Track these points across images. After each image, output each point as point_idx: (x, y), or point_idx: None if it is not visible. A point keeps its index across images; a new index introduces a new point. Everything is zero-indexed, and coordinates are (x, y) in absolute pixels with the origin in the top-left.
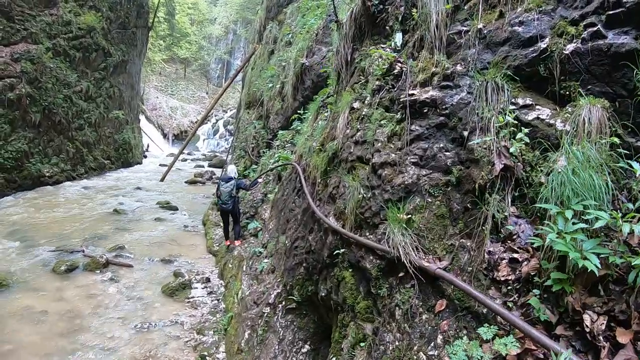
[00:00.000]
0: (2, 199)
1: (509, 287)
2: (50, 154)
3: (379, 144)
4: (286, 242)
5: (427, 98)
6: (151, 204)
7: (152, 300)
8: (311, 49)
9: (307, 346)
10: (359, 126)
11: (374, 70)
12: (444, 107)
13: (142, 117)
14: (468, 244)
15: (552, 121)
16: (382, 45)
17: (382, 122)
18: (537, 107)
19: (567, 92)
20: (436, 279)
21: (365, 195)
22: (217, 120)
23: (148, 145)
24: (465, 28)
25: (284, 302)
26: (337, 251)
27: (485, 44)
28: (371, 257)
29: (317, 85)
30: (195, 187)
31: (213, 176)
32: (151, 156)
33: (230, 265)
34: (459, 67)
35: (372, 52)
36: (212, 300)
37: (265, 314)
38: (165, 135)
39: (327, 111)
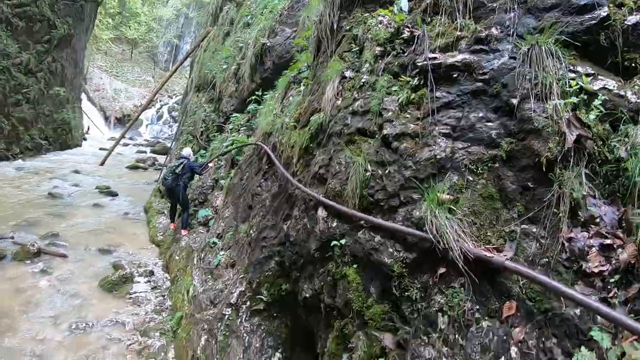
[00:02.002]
0: None
1: (606, 281)
2: None
3: (390, 114)
4: (250, 231)
5: (456, 62)
6: (89, 188)
7: (88, 295)
8: (274, 29)
9: (278, 354)
10: (356, 95)
11: (374, 36)
12: (481, 72)
13: (83, 97)
14: (534, 230)
15: (622, 92)
16: (381, 13)
17: (391, 89)
18: (600, 76)
19: (633, 65)
20: (495, 274)
21: (374, 173)
22: (161, 106)
23: (88, 128)
24: None
25: (248, 303)
26: (334, 242)
27: (526, 8)
28: (390, 250)
29: (278, 66)
30: (136, 173)
31: (155, 162)
32: (91, 139)
33: (177, 257)
34: (494, 31)
35: (368, 19)
36: (156, 297)
37: (226, 316)
38: (107, 118)
39: (301, 86)
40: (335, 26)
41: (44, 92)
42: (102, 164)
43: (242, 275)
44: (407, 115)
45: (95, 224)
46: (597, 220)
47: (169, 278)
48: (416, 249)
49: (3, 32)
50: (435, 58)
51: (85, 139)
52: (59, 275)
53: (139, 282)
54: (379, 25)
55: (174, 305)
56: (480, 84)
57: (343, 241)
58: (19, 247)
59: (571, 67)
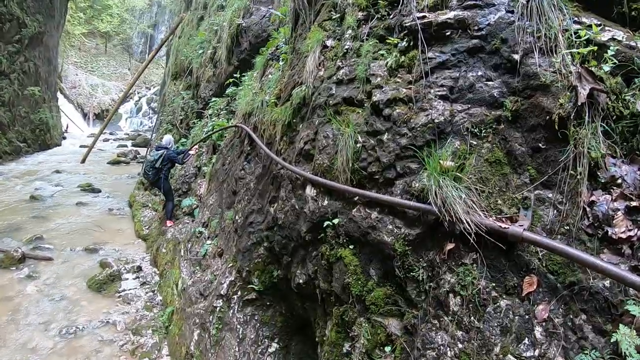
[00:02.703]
0: None
1: (635, 247)
2: None
3: (378, 80)
4: (236, 217)
5: (448, 19)
6: (72, 187)
7: (77, 297)
8: (248, 9)
9: (275, 344)
10: (340, 64)
11: (355, 1)
12: (476, 28)
13: (60, 96)
14: (550, 195)
15: (632, 43)
16: None
17: (378, 53)
18: (607, 27)
19: None
20: (511, 247)
21: (366, 144)
22: (140, 98)
23: (67, 126)
24: None
25: (239, 293)
26: (326, 222)
27: None
28: (390, 227)
29: (254, 47)
30: (118, 168)
31: (137, 155)
32: (71, 137)
33: (164, 250)
34: None
35: None
36: (146, 292)
37: (218, 309)
38: (85, 115)
39: (280, 62)
40: None
41: (19, 94)
42: (83, 161)
43: (230, 264)
44: (398, 80)
45: (79, 223)
46: (619, 181)
47: (157, 272)
48: (419, 223)
49: None
50: (424, 17)
51: (65, 138)
52: (46, 279)
53: (127, 279)
54: None
55: (164, 300)
56: (476, 40)
57: (336, 221)
58: (2, 254)
59: (575, 19)
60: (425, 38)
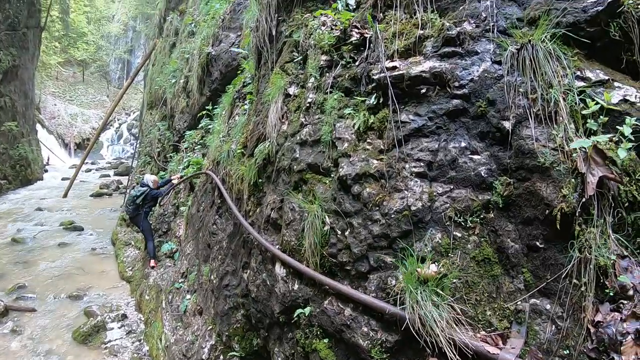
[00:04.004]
0: None
1: None
2: None
3: (345, 145)
4: (211, 276)
5: (423, 72)
6: (54, 226)
7: (63, 351)
8: (217, 36)
9: None
10: (303, 120)
11: (317, 42)
12: (457, 84)
13: (39, 128)
14: (548, 306)
15: None
16: (323, 12)
17: (343, 111)
18: (616, 84)
19: None
20: None
21: (334, 226)
22: (120, 125)
23: (49, 158)
24: None
25: (222, 357)
26: (298, 310)
27: None
28: (365, 329)
29: (226, 76)
30: (101, 200)
31: (120, 186)
32: (53, 170)
33: (147, 297)
34: (468, 27)
35: (309, 21)
36: (133, 342)
37: None
38: (66, 145)
39: (246, 103)
40: (274, 32)
41: None
42: (65, 196)
43: (210, 327)
44: (367, 147)
45: (62, 267)
46: (630, 292)
47: (142, 319)
48: (397, 328)
49: None
50: (395, 68)
51: (46, 171)
52: (31, 333)
53: (112, 328)
54: (322, 28)
55: (151, 353)
56: (458, 101)
57: (307, 310)
58: None
59: (578, 73)
60: (396, 94)
